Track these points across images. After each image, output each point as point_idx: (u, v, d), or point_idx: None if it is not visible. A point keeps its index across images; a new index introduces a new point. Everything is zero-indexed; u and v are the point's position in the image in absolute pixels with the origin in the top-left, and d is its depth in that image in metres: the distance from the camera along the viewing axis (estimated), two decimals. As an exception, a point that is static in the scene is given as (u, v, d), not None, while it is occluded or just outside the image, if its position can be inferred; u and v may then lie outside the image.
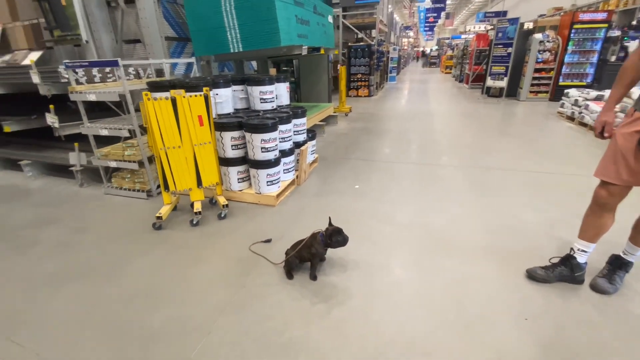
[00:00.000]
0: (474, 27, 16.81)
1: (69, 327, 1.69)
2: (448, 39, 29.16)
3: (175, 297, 1.88)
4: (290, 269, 2.02)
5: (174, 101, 2.42)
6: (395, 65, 15.26)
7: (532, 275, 1.94)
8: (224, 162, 2.94)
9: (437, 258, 2.17)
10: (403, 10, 29.39)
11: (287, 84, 3.65)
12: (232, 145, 2.88)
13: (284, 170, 3.17)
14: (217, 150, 2.80)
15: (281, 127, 3.01)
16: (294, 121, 3.30)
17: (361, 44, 10.00)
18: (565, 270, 1.88)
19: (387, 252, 2.25)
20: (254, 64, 6.70)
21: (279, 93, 3.60)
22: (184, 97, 2.43)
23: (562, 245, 2.21)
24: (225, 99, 3.16)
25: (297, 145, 3.35)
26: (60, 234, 2.62)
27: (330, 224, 2.01)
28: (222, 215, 2.74)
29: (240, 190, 3.04)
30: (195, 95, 2.48)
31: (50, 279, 2.07)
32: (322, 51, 5.01)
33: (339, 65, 7.89)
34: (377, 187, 3.34)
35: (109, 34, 4.55)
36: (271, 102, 3.38)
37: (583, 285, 1.87)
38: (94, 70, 3.34)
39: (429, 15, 27.30)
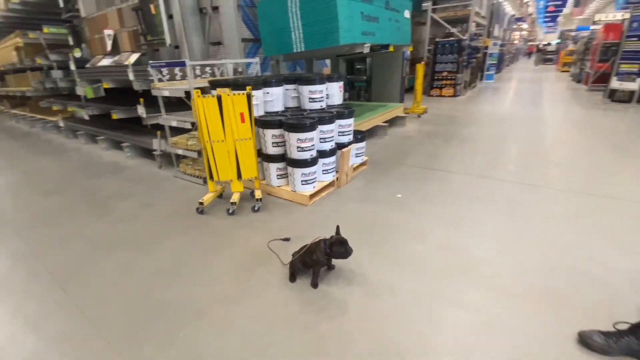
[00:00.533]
0: (606, 16, 13.61)
1: (104, 287, 2.01)
2: (573, 31, 24.37)
3: (189, 278, 2.06)
4: (293, 271, 2.00)
5: (219, 99, 2.62)
6: (495, 62, 13.52)
7: (585, 341, 1.49)
8: (266, 157, 3.07)
9: (464, 292, 1.85)
10: (516, 0, 25.72)
11: (340, 84, 3.59)
12: (272, 143, 2.99)
13: (323, 170, 3.14)
14: (256, 146, 2.93)
15: (322, 128, 2.98)
16: (339, 122, 3.22)
17: (450, 39, 9.15)
18: (636, 343, 1.39)
19: (404, 274, 2.02)
20: (328, 62, 6.78)
21: (331, 92, 3.56)
22: (228, 95, 2.61)
23: (648, 308, 1.64)
24: (276, 98, 3.28)
25: (341, 146, 3.27)
26: (131, 207, 3.13)
27: (337, 232, 1.91)
28: (256, 208, 2.87)
29: (279, 186, 3.13)
30: (239, 94, 2.64)
31: (108, 243, 2.50)
32: (391, 48, 4.74)
33: (423, 61, 7.37)
34: (423, 199, 3.02)
35: (199, 37, 5.18)
36: (320, 101, 3.37)
37: (662, 369, 1.36)
38: (177, 69, 3.87)
39: (549, 3, 23.26)
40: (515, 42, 27.35)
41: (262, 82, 3.12)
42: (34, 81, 5.77)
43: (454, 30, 9.38)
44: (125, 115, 4.37)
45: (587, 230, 2.41)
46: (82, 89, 4.56)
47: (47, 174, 4.19)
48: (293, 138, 2.78)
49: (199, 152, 3.45)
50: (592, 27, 14.71)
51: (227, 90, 2.63)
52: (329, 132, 3.06)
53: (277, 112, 3.32)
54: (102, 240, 2.55)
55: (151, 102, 3.92)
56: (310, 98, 3.34)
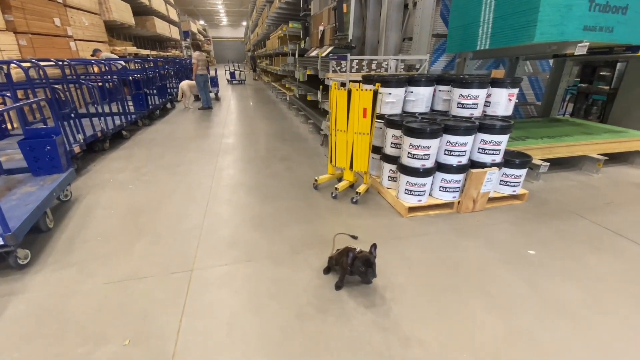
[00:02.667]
0: None
1: (234, 207, 2.82)
2: None
3: (269, 228, 2.52)
4: (330, 266, 2.03)
5: (349, 92, 2.80)
6: None
7: None
8: (383, 156, 3.02)
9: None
10: None
11: (510, 91, 2.84)
12: (391, 143, 2.89)
13: (440, 187, 2.75)
14: (373, 143, 2.93)
15: (449, 138, 2.57)
16: (481, 136, 2.64)
17: None
18: None
19: (439, 339, 1.61)
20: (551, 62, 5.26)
21: (495, 100, 2.91)
22: (357, 90, 2.75)
23: None
24: (421, 98, 3.07)
25: (476, 165, 2.70)
26: (281, 168, 3.96)
27: (370, 250, 1.76)
28: (354, 200, 2.96)
29: (388, 188, 3.03)
30: (367, 90, 2.71)
31: (252, 187, 3.37)
32: (643, 50, 3.12)
33: None
34: (568, 270, 2.09)
35: (397, 33, 5.38)
36: (471, 108, 2.86)
37: None
38: (354, 62, 4.30)
39: None
40: None
41: (405, 81, 3.00)
42: (281, 64, 7.99)
43: None
44: (314, 98, 5.34)
45: None
46: (298, 73, 5.91)
47: (263, 132, 5.87)
48: (406, 142, 2.59)
49: (342, 138, 3.81)
50: None
51: (358, 85, 2.76)
52: (459, 145, 2.60)
53: (416, 112, 3.11)
54: (251, 184, 3.47)
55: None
56: (459, 103, 2.89)
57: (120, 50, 10.63)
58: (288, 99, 7.89)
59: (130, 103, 6.13)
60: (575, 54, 2.95)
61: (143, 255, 2.24)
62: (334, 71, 4.14)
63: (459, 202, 2.79)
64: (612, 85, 4.83)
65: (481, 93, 2.81)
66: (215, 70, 11.36)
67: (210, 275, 2.04)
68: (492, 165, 2.72)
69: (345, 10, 4.19)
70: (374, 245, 1.79)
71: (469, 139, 2.60)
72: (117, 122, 5.08)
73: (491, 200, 2.89)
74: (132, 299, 1.84)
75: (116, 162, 4.23)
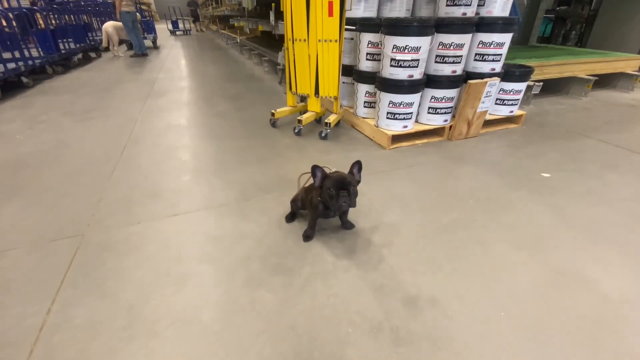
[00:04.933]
0: None
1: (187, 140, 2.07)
2: None
3: (222, 173, 1.84)
4: (294, 211, 1.44)
5: (307, -20, 2.04)
6: None
7: None
8: (357, 76, 2.36)
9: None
10: None
11: (511, -18, 2.25)
12: (367, 53, 2.22)
13: (429, 108, 2.18)
14: (343, 58, 2.26)
15: (441, 38, 1.96)
16: (480, 36, 2.06)
17: None
18: None
19: (458, 290, 1.10)
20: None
21: (491, -3, 2.30)
22: (318, -26, 1.99)
23: None
24: (399, -2, 2.38)
25: (474, 77, 2.14)
26: (229, 108, 3.17)
27: (351, 171, 1.17)
28: (322, 135, 2.32)
29: (364, 118, 2.42)
30: (331, -26, 1.97)
31: (198, 124, 2.59)
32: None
33: None
34: (592, 192, 1.67)
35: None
36: (465, 5, 2.23)
37: None
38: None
39: None
40: None
41: (380, -30, 2.28)
42: (227, 1, 6.76)
43: None
44: (266, 28, 4.42)
45: None
46: (246, 1, 4.87)
47: (209, 75, 4.88)
48: (389, 44, 1.94)
49: (302, 65, 3.07)
50: None
51: (319, -33, 2.00)
52: (454, 48, 2.00)
53: (396, 17, 2.43)
54: (188, 125, 2.69)
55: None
56: (448, 1, 2.25)
57: (22, -11, 8.50)
58: (239, 41, 6.77)
59: (32, 46, 4.80)
60: None
61: (9, 222, 1.47)
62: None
63: (450, 126, 2.25)
64: (592, 8, 4.44)
65: (477, -17, 2.18)
66: (152, 18, 9.57)
67: (112, 238, 1.35)
68: (492, 75, 2.17)
69: None
70: (358, 163, 1.18)
71: (466, 39, 2.00)
72: (12, 66, 3.88)
73: (485, 124, 2.40)
74: (-29, 286, 1.12)
75: (6, 112, 3.17)
